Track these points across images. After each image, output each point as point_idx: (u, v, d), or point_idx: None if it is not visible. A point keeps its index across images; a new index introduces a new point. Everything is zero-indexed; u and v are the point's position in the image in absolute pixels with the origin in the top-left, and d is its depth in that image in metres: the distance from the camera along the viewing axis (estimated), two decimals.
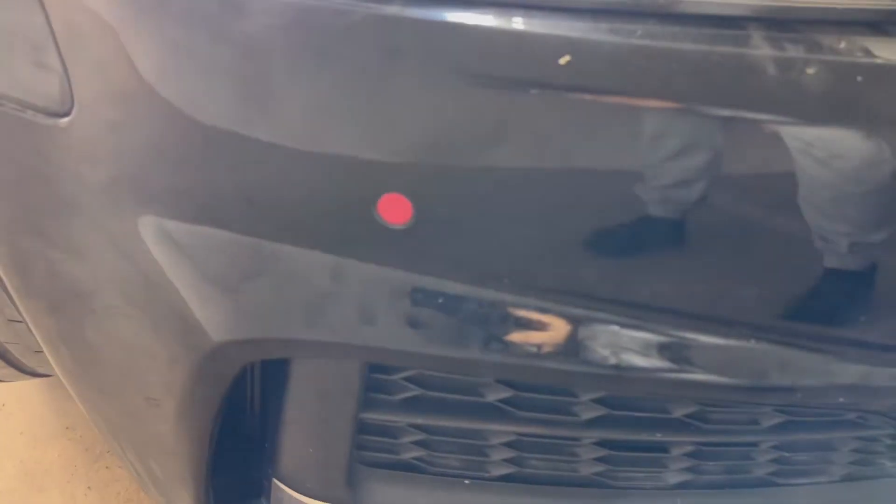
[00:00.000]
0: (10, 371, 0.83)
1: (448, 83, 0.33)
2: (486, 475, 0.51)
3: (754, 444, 0.48)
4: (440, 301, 0.38)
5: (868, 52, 0.33)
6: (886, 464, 0.50)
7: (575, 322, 0.38)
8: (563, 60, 0.32)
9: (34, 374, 0.85)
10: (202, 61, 0.35)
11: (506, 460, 0.50)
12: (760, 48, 0.33)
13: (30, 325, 0.55)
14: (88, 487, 0.89)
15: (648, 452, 0.49)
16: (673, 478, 0.50)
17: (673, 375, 0.39)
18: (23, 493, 0.89)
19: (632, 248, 0.36)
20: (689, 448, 0.48)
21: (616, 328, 0.38)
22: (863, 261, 0.37)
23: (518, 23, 0.32)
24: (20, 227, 0.47)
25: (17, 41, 0.41)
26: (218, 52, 0.35)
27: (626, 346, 0.39)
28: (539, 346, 0.39)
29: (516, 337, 0.39)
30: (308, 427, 0.48)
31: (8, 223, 0.48)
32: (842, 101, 0.34)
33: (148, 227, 0.39)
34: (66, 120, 0.40)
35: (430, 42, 0.33)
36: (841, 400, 0.40)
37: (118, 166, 0.39)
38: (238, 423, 0.53)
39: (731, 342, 0.38)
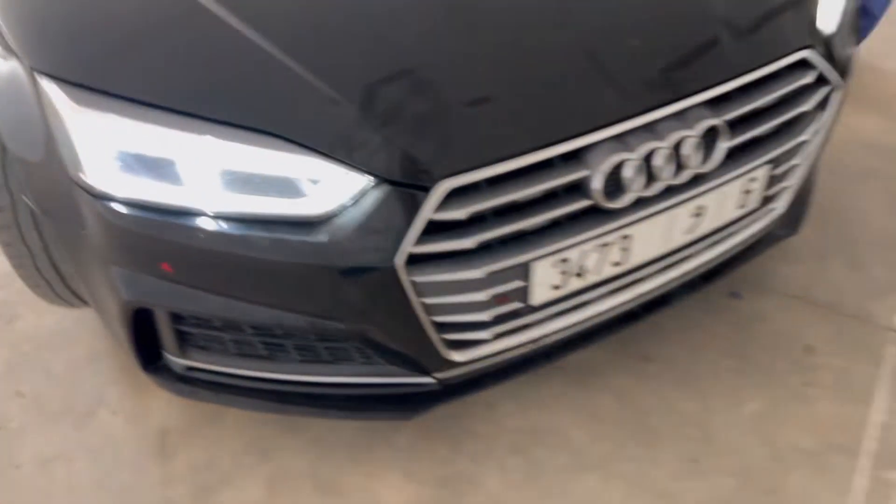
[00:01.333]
0: (76, 300, 1.79)
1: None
2: (255, 353, 1.42)
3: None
4: (187, 293, 1.29)
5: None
6: (358, 357, 1.38)
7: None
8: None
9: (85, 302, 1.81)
10: None
11: (264, 347, 1.41)
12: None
13: (77, 276, 1.49)
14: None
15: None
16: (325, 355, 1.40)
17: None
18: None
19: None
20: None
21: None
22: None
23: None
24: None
25: None
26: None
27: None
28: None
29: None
30: (161, 326, 1.40)
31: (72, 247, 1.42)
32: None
33: (111, 266, 1.31)
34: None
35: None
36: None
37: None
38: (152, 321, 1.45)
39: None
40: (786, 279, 1.99)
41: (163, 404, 1.75)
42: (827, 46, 1.54)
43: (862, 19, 2.67)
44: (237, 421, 1.69)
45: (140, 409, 1.74)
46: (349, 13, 1.36)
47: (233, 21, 1.29)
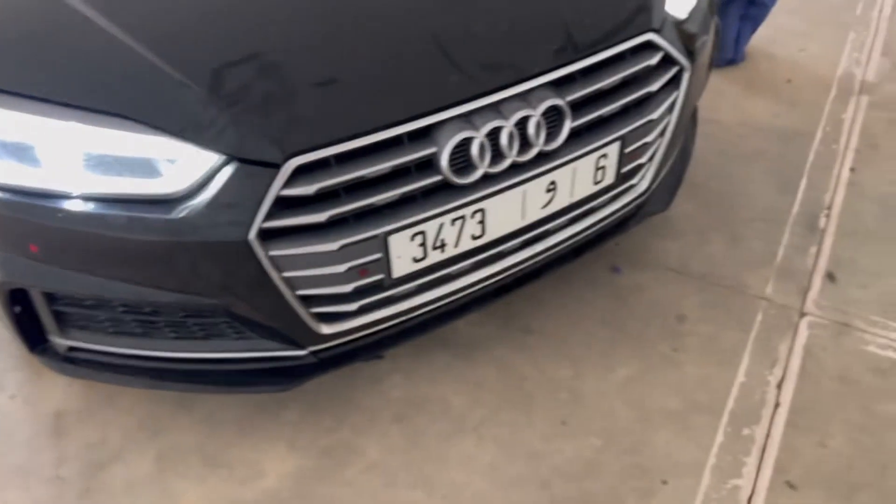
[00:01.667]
0: None
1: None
2: (131, 331, 1.48)
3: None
4: (55, 273, 1.35)
5: None
6: (231, 333, 1.45)
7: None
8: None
9: None
10: None
11: (138, 325, 1.47)
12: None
13: None
14: None
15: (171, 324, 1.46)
16: (197, 331, 1.47)
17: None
18: None
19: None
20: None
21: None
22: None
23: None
24: None
25: None
26: None
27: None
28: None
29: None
30: (39, 306, 1.46)
31: None
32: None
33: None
34: None
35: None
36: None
37: None
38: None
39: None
40: (666, 254, 2.10)
41: (61, 387, 1.80)
42: (678, 31, 1.64)
43: (755, 8, 2.80)
44: (132, 401, 1.75)
45: (38, 393, 1.79)
46: (197, 1, 1.44)
47: (88, 12, 1.36)
